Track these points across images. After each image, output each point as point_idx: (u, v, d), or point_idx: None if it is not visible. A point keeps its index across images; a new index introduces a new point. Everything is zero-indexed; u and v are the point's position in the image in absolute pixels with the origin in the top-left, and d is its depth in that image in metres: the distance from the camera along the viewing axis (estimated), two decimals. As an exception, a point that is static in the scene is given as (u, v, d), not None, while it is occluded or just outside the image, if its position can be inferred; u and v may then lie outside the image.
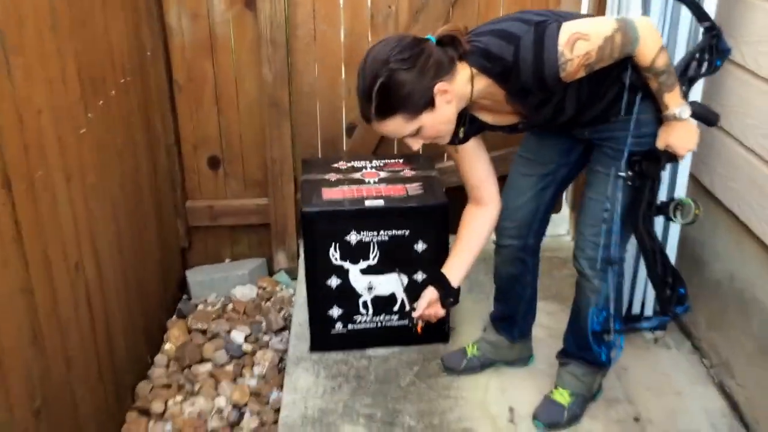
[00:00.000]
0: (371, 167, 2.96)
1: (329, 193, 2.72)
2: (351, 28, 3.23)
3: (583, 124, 2.13)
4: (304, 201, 2.68)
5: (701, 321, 2.75)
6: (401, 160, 3.02)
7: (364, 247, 2.68)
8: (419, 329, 2.35)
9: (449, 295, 2.29)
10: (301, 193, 2.76)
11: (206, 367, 2.94)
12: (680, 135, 1.99)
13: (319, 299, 2.76)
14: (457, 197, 3.80)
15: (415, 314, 2.27)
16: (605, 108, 2.05)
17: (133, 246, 2.75)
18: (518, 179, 2.38)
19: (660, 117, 2.01)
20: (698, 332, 2.78)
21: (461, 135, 2.13)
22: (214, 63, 3.23)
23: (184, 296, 3.48)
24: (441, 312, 2.30)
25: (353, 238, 2.66)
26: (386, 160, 3.02)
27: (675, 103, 1.95)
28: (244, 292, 3.38)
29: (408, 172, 2.90)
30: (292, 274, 3.52)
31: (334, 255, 2.68)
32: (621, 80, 1.98)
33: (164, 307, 3.24)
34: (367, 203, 2.65)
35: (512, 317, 2.62)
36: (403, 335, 2.74)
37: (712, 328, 2.69)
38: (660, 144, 2.03)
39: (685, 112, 1.95)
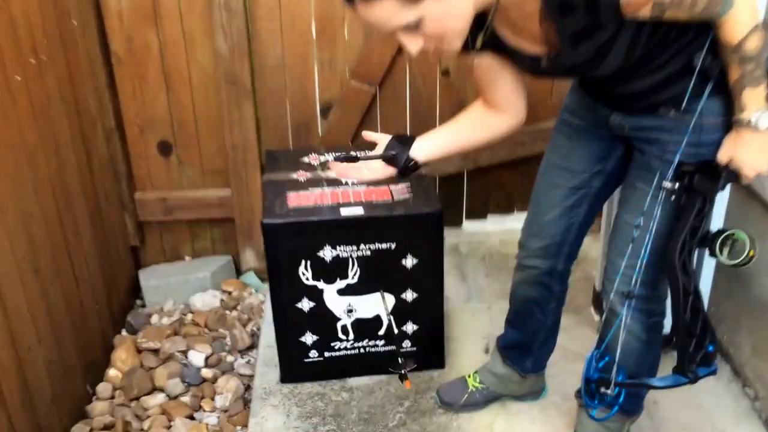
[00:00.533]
0: (349, 161, 2.46)
1: (297, 199, 2.23)
2: (323, -13, 2.70)
3: (624, 101, 1.65)
4: (266, 210, 2.19)
5: (745, 345, 2.31)
6: (385, 151, 2.52)
7: (341, 264, 2.21)
8: (408, 384, 1.89)
9: (402, 155, 1.78)
10: (262, 199, 2.27)
11: (158, 398, 2.49)
12: (752, 150, 1.50)
13: (288, 325, 2.30)
14: (453, 186, 3.48)
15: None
16: (659, 86, 1.55)
17: (56, 260, 2.27)
18: (547, 191, 1.92)
19: (729, 121, 1.52)
20: (740, 357, 2.35)
21: (478, 44, 1.57)
22: (159, 32, 2.70)
23: (138, 302, 3.01)
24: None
25: (328, 254, 2.19)
26: (368, 152, 2.51)
27: (755, 105, 1.46)
28: (206, 301, 2.91)
29: (393, 168, 2.40)
30: (263, 275, 3.06)
31: (305, 274, 2.21)
32: (690, 58, 1.49)
33: (111, 320, 2.77)
34: (344, 212, 2.17)
35: (527, 347, 2.18)
36: (390, 362, 2.30)
37: (759, 355, 2.25)
38: (723, 157, 1.54)
39: (766, 120, 1.46)
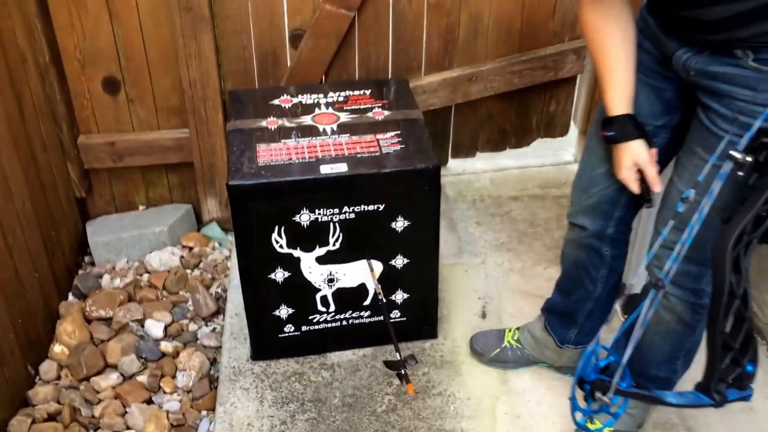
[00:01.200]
0: (327, 104, 2.10)
1: (267, 153, 1.89)
2: None
3: (694, 29, 1.33)
4: (232, 168, 1.84)
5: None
6: (368, 92, 2.17)
7: (320, 229, 1.89)
8: (410, 389, 1.60)
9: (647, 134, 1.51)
10: (227, 153, 1.92)
11: (110, 379, 2.18)
12: None
13: (260, 298, 1.99)
14: (438, 121, 3.08)
15: (657, 187, 1.49)
16: (742, 17, 1.23)
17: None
18: (600, 141, 1.59)
19: None
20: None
21: None
22: (96, -53, 2.26)
23: (86, 259, 2.67)
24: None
25: (305, 218, 1.86)
26: (348, 92, 2.16)
27: None
28: (163, 259, 2.57)
29: (379, 112, 2.06)
30: (227, 226, 2.72)
31: (279, 241, 1.88)
32: None
33: (55, 285, 2.43)
34: (324, 170, 1.83)
35: (571, 316, 1.92)
36: (377, 334, 2.02)
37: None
38: None
39: None
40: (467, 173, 2.90)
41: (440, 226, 1.99)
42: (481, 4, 2.57)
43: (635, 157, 1.47)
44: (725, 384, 1.33)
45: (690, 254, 1.40)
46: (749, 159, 1.25)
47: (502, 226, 2.59)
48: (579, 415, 1.55)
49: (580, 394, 1.52)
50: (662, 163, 1.56)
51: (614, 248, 1.76)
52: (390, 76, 2.60)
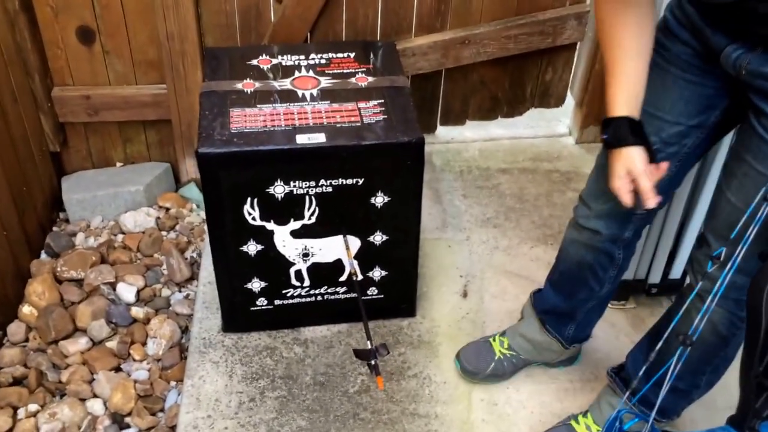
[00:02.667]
0: (308, 66, 1.99)
1: (242, 119, 1.78)
2: None
3: (751, 22, 1.19)
4: (203, 134, 1.74)
5: None
6: (353, 54, 2.05)
7: (295, 202, 1.80)
8: (380, 383, 1.53)
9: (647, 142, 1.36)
10: (199, 117, 1.81)
11: (79, 343, 2.11)
12: None
13: (231, 271, 1.91)
14: (428, 86, 2.95)
15: (651, 202, 1.32)
16: None
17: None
18: None
19: None
20: None
21: None
22: None
23: (61, 215, 2.58)
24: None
25: (279, 190, 1.77)
26: (331, 54, 2.05)
27: None
28: (138, 220, 2.48)
29: (362, 78, 1.95)
30: (206, 187, 2.62)
31: (251, 213, 1.80)
32: None
33: (27, 242, 2.34)
34: (301, 139, 1.73)
35: (570, 314, 1.81)
36: (352, 311, 1.94)
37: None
38: None
39: None
40: (456, 142, 2.80)
41: (425, 197, 1.90)
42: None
43: (628, 166, 1.31)
44: (759, 420, 1.25)
45: (742, 265, 1.30)
46: None
47: (489, 200, 2.50)
48: None
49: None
50: (690, 163, 1.45)
51: (627, 250, 1.65)
52: (378, 36, 2.48)
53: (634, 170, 1.31)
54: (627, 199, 1.33)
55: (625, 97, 1.32)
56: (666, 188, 1.48)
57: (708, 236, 1.41)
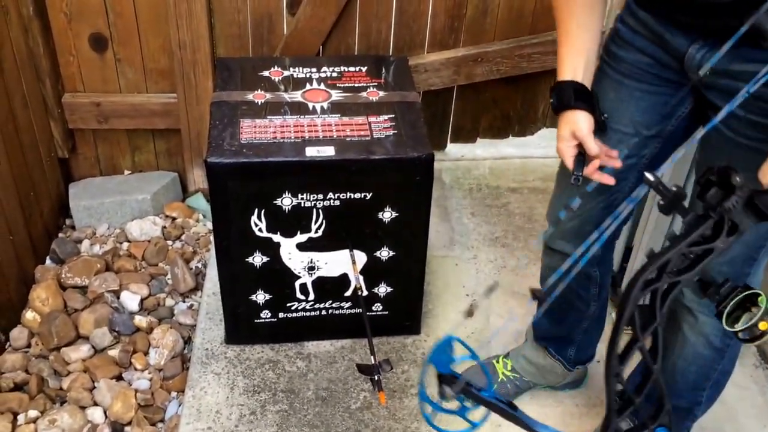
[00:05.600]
0: (319, 79, 1.99)
1: (251, 130, 1.78)
2: None
3: (714, 14, 1.13)
4: (212, 144, 1.73)
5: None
6: (364, 68, 2.05)
7: (303, 214, 1.79)
8: (383, 398, 1.51)
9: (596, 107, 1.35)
10: (209, 127, 1.81)
11: (81, 351, 2.09)
12: None
13: (236, 282, 1.90)
14: (439, 102, 2.85)
15: (588, 170, 1.31)
16: None
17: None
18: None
19: None
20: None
21: None
22: None
23: (67, 222, 2.57)
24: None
25: (287, 202, 1.76)
26: (343, 68, 2.04)
27: None
28: (144, 229, 2.47)
29: (374, 92, 1.94)
30: (214, 197, 2.62)
31: (258, 225, 1.79)
32: None
33: (32, 248, 2.34)
34: (310, 152, 1.72)
35: (567, 337, 1.80)
36: (357, 326, 1.92)
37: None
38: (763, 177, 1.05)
39: None
40: (466, 159, 2.79)
41: (433, 215, 1.89)
42: (492, -21, 2.43)
43: (573, 128, 1.29)
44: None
45: (722, 270, 1.30)
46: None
47: (498, 219, 2.48)
48: (428, 408, 1.34)
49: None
50: (653, 168, 1.43)
51: (602, 267, 1.64)
52: (391, 51, 2.47)
53: (578, 132, 1.30)
54: (569, 162, 1.32)
55: (573, 65, 1.31)
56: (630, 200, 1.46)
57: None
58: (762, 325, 1.07)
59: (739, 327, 1.08)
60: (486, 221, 2.48)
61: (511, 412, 1.17)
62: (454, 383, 1.11)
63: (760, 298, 1.06)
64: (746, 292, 1.05)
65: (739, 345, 1.49)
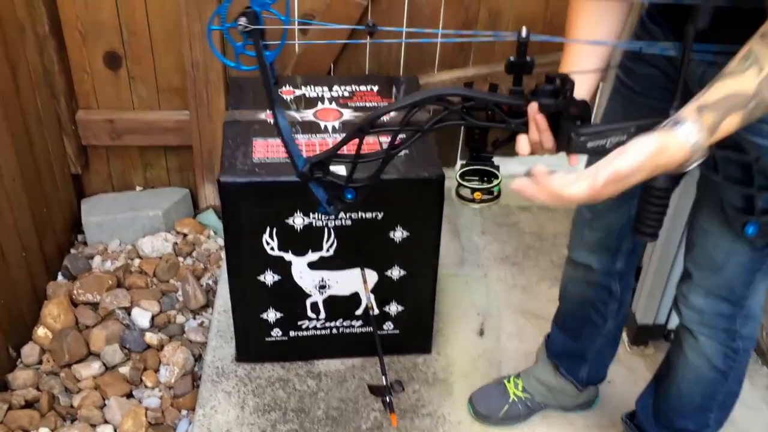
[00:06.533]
0: (331, 99, 2.00)
1: (264, 149, 1.79)
2: None
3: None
4: (225, 163, 1.75)
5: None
6: (375, 88, 2.06)
7: (314, 233, 1.79)
8: (394, 420, 1.51)
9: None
10: (222, 146, 1.82)
11: (92, 368, 2.10)
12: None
13: (248, 300, 1.90)
14: None
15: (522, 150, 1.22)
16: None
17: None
18: None
19: None
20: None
21: None
22: None
23: (79, 237, 2.59)
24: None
25: (299, 221, 1.76)
26: (354, 87, 2.05)
27: None
28: (156, 245, 2.49)
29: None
30: (225, 214, 2.63)
31: (270, 243, 1.79)
32: None
33: (44, 264, 2.35)
34: (321, 172, 1.72)
35: (581, 355, 1.79)
36: (368, 345, 1.92)
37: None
38: None
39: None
40: (477, 176, 2.78)
41: (443, 233, 1.89)
42: (501, 1, 2.44)
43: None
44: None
45: (720, 292, 1.31)
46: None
47: (508, 237, 2.48)
48: None
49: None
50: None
51: (624, 282, 1.64)
52: (402, 70, 2.49)
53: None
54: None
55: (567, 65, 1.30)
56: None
57: (689, 267, 1.40)
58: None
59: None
60: (496, 239, 2.48)
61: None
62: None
63: None
64: None
65: (743, 367, 1.49)
